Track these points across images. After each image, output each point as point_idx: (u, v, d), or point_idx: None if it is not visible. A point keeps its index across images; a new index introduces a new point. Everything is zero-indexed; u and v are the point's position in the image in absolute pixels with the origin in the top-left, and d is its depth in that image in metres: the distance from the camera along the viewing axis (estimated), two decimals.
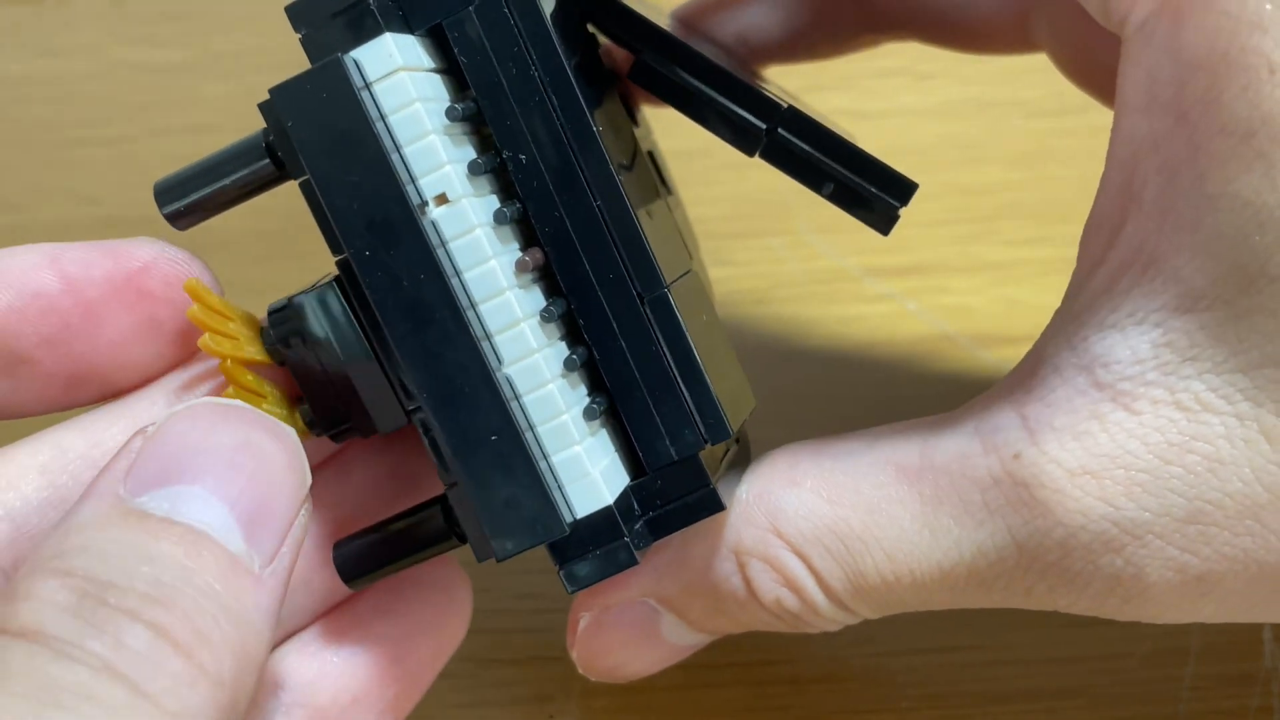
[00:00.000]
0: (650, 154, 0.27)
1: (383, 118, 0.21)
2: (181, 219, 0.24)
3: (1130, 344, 0.20)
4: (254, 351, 0.23)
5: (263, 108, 0.22)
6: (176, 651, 0.18)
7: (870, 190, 0.23)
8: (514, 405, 0.22)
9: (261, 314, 0.24)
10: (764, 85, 0.25)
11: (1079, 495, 0.20)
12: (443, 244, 0.22)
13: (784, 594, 0.23)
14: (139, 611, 0.18)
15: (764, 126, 0.23)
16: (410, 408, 0.23)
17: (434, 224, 0.22)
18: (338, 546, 0.24)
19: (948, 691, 0.29)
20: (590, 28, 0.25)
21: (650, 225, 0.23)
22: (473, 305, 0.22)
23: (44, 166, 0.43)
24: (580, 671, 0.26)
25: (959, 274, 0.38)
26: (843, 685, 0.29)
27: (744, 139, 0.23)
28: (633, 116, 0.27)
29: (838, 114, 0.44)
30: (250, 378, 0.23)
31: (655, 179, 0.26)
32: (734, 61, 0.27)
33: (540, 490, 0.22)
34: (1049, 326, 0.22)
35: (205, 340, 0.23)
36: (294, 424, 0.24)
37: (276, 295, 0.37)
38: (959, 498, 0.21)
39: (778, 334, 0.37)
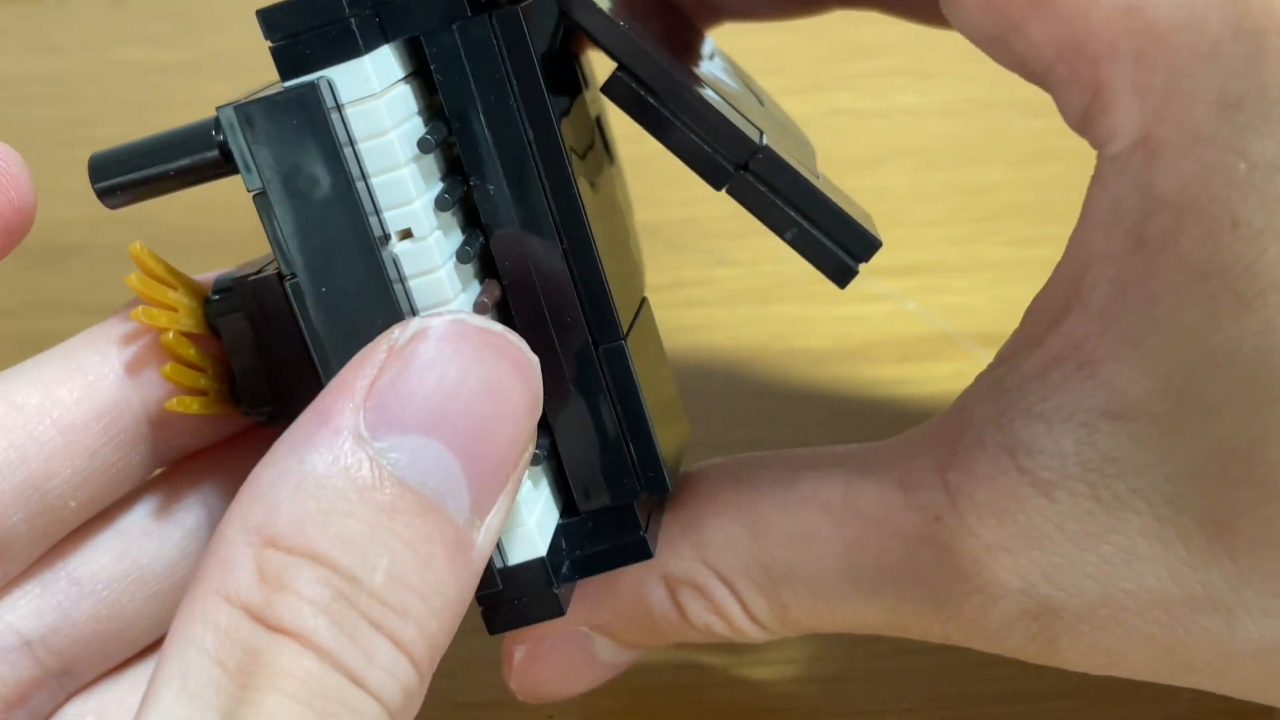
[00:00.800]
0: (598, 119, 0.26)
1: (352, 143, 0.20)
2: (113, 197, 0.23)
3: (1056, 437, 0.20)
4: (191, 324, 0.23)
5: (222, 117, 0.21)
6: (413, 666, 0.18)
7: (832, 243, 0.23)
8: None
9: None
10: (739, 105, 0.24)
11: (996, 569, 0.21)
12: (402, 280, 0.21)
13: (713, 620, 0.24)
14: (383, 623, 0.18)
15: (733, 165, 0.22)
16: None
17: (395, 259, 0.21)
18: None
19: (948, 691, 0.29)
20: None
21: (609, 254, 0.22)
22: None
23: (44, 166, 0.43)
24: (519, 699, 0.26)
25: (959, 273, 0.38)
26: (843, 685, 0.29)
27: (713, 174, 0.22)
28: (584, 79, 0.26)
29: (838, 113, 0.44)
30: (193, 352, 0.23)
31: (603, 153, 0.25)
32: (691, 29, 0.26)
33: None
34: (977, 387, 0.22)
35: (137, 313, 0.22)
36: (230, 401, 0.23)
37: None
38: (880, 546, 0.22)
39: (779, 333, 0.37)
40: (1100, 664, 0.22)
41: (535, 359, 0.20)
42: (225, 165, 0.22)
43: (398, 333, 0.20)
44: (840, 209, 0.22)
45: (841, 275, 0.23)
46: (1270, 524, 0.19)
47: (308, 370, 0.22)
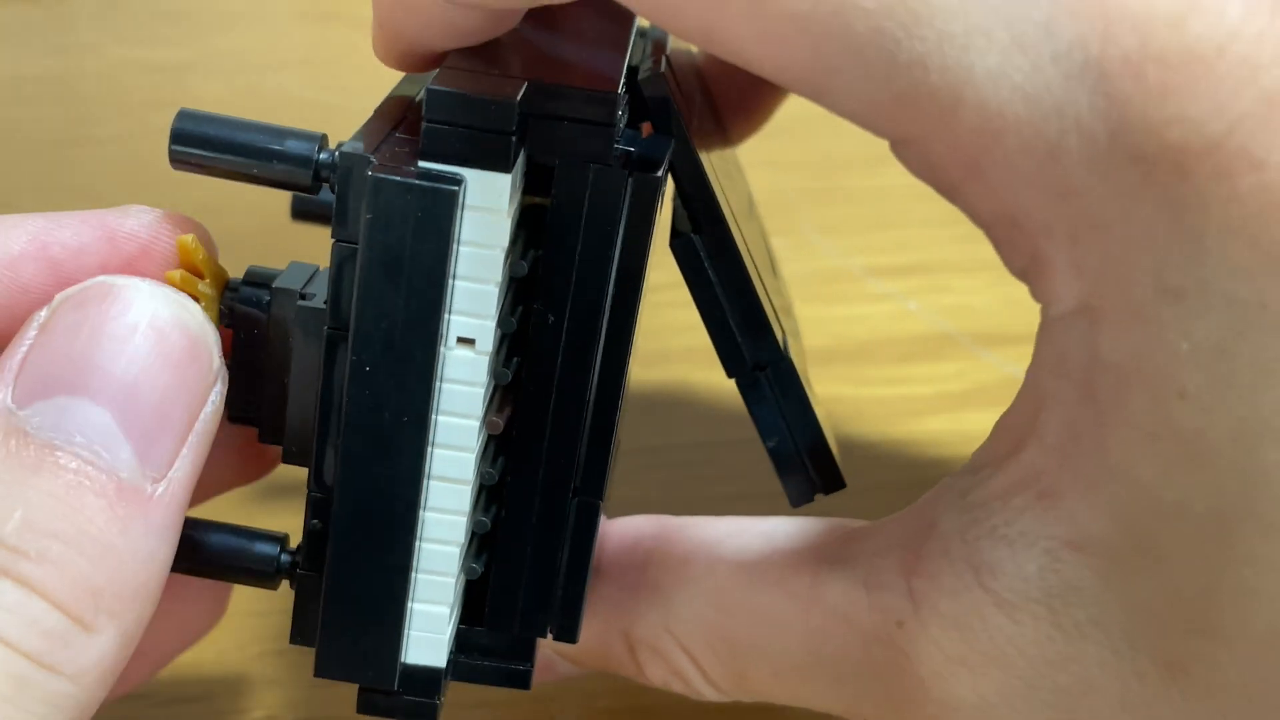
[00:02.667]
0: None
1: (459, 242, 0.20)
2: (184, 163, 0.22)
3: (1019, 561, 0.20)
4: (212, 316, 0.22)
5: (343, 163, 0.20)
6: (56, 608, 0.18)
7: (806, 468, 0.23)
8: (411, 537, 0.21)
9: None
10: (768, 286, 0.24)
11: (954, 684, 0.21)
12: (440, 380, 0.21)
13: (671, 680, 0.24)
14: (10, 567, 0.18)
15: (756, 363, 0.23)
16: (319, 494, 0.21)
17: (444, 360, 0.21)
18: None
19: None
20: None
21: (618, 434, 0.23)
22: (432, 444, 0.21)
23: (44, 166, 0.43)
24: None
25: (960, 273, 0.38)
26: None
27: (731, 361, 0.23)
28: None
29: None
30: None
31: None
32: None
33: (394, 634, 0.21)
34: (945, 492, 0.22)
35: None
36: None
37: None
38: (843, 640, 0.22)
39: None
40: None
41: (195, 305, 0.20)
42: (310, 185, 0.21)
43: (43, 312, 0.20)
44: (826, 442, 0.23)
45: (801, 496, 0.24)
46: (1219, 669, 0.19)
47: (300, 403, 0.22)
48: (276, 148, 0.21)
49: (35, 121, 0.44)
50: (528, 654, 0.23)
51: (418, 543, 0.21)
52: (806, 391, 0.24)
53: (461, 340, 0.21)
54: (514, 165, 0.20)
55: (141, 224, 0.22)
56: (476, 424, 0.21)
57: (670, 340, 0.38)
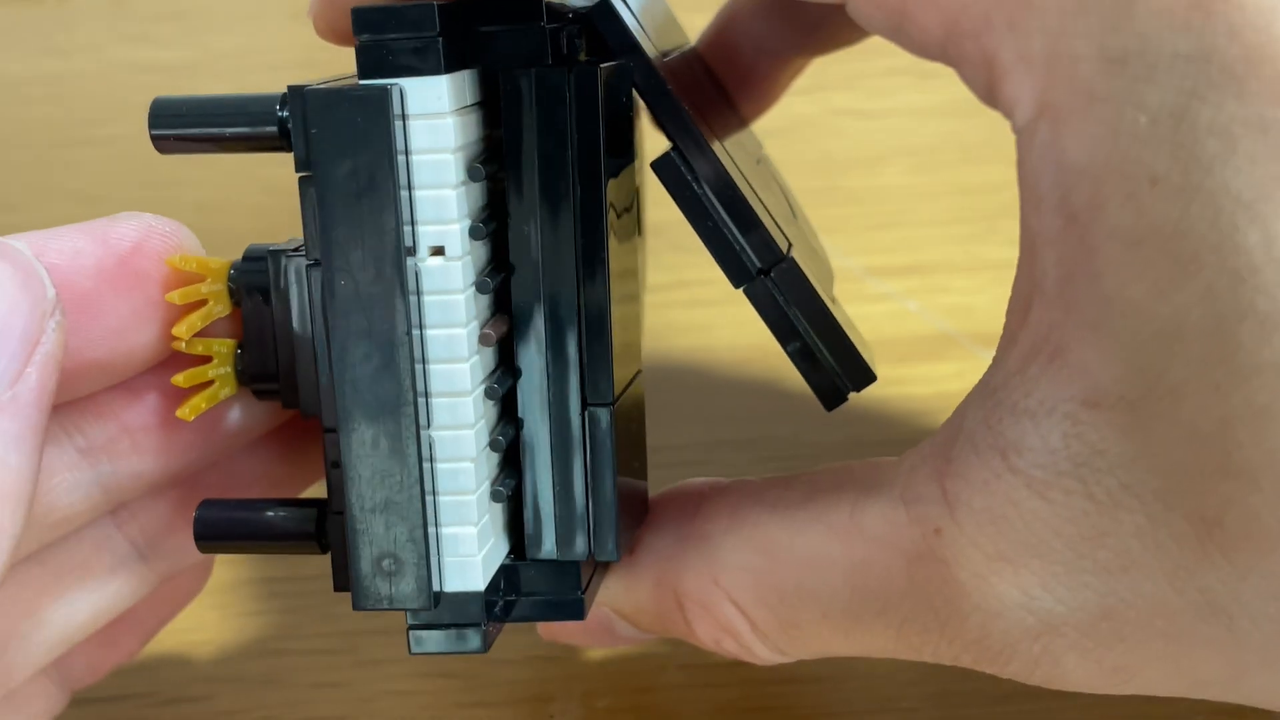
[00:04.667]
0: (637, 190, 0.26)
1: (407, 153, 0.21)
2: (166, 144, 0.23)
3: (1042, 433, 0.20)
4: (221, 310, 0.23)
5: (291, 97, 0.22)
6: None
7: (830, 366, 0.23)
8: (426, 466, 0.21)
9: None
10: (774, 212, 0.24)
11: (996, 582, 0.21)
12: (419, 293, 0.21)
13: (723, 638, 0.24)
14: None
15: (758, 268, 0.23)
16: (328, 427, 0.22)
17: (419, 273, 0.21)
18: (203, 506, 0.23)
19: (948, 691, 0.29)
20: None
21: (618, 321, 0.23)
22: (425, 361, 0.21)
23: (44, 166, 0.43)
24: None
25: (960, 273, 0.38)
26: (843, 685, 0.29)
27: (735, 271, 0.23)
28: (636, 148, 0.26)
29: (841, 113, 0.44)
30: (199, 348, 0.23)
31: (634, 223, 0.25)
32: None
33: (421, 559, 0.21)
34: (972, 393, 0.22)
35: (178, 329, 0.23)
36: (228, 378, 0.23)
37: None
38: (885, 565, 0.22)
39: None
40: (1110, 683, 0.21)
41: (21, 245, 0.22)
42: (280, 141, 0.22)
43: None
44: (846, 336, 0.23)
45: (832, 398, 0.23)
46: (1257, 518, 0.19)
47: (306, 354, 0.22)
48: (241, 109, 0.22)
49: (35, 121, 0.44)
50: (575, 582, 0.23)
51: (429, 465, 0.22)
52: (818, 289, 0.23)
53: (433, 250, 0.21)
54: (449, 68, 0.21)
55: (131, 225, 0.23)
56: (463, 333, 0.21)
57: (671, 340, 0.38)
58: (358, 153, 0.21)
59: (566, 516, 0.23)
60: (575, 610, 0.23)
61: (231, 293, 0.23)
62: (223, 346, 0.24)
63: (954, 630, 0.21)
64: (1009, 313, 0.21)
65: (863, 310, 0.39)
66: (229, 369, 0.23)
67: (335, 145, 0.21)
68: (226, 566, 0.31)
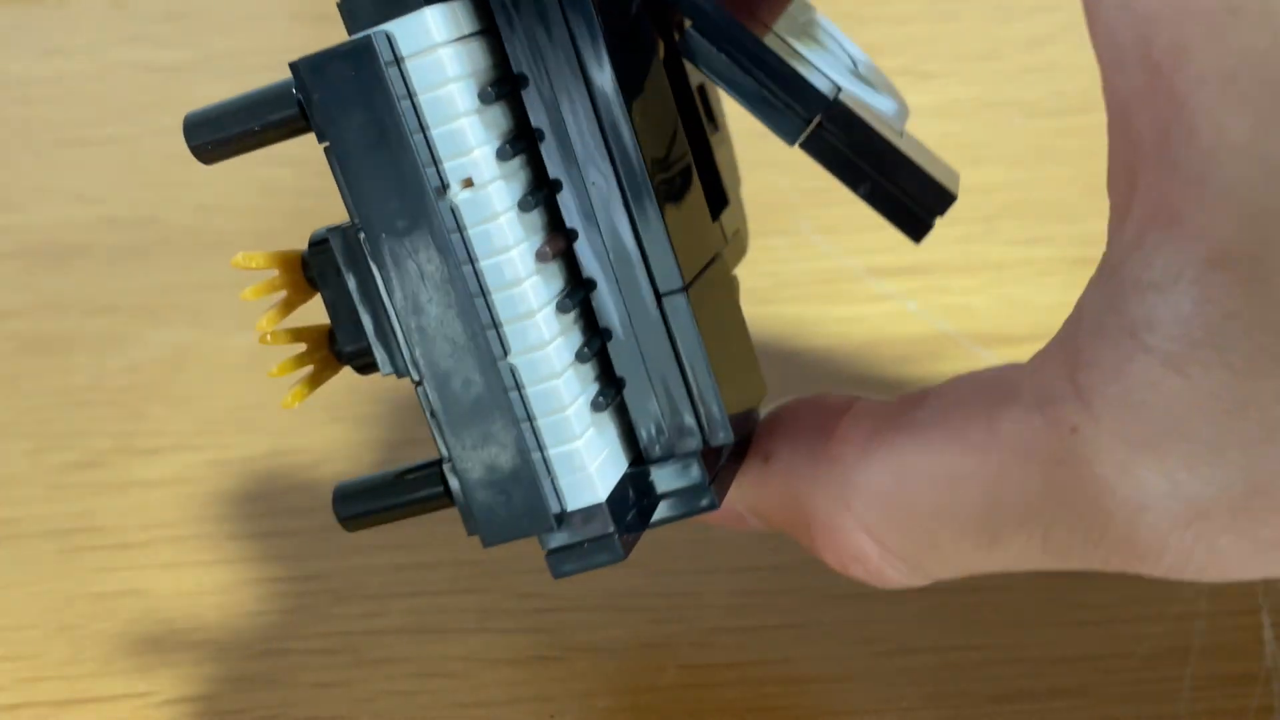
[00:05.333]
0: (701, 88, 0.27)
1: (411, 96, 0.21)
2: (208, 154, 0.23)
3: (1171, 304, 0.19)
4: (300, 298, 0.24)
5: (293, 72, 0.22)
6: None
7: (906, 198, 0.23)
8: (515, 395, 0.22)
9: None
10: (817, 64, 0.24)
11: (1139, 473, 0.20)
12: (461, 229, 0.21)
13: (851, 564, 0.23)
14: None
15: (807, 118, 0.23)
16: (415, 379, 0.22)
17: (455, 209, 0.21)
18: (339, 488, 0.24)
19: (948, 691, 0.29)
20: None
21: (676, 207, 0.23)
22: (484, 293, 0.22)
23: (44, 166, 0.43)
24: None
25: (960, 274, 0.38)
26: (843, 685, 0.29)
27: (786, 127, 0.23)
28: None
29: None
30: (288, 339, 0.24)
31: (703, 119, 0.26)
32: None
33: (531, 484, 0.22)
34: (1090, 282, 0.21)
35: (260, 326, 0.23)
36: (327, 361, 0.24)
37: None
38: (1023, 475, 0.21)
39: (780, 334, 0.37)
40: (1267, 561, 0.20)
41: None
42: (305, 121, 0.22)
43: None
44: (916, 164, 0.23)
45: (915, 228, 0.23)
46: None
47: (384, 318, 0.23)
48: (263, 100, 0.22)
49: (35, 121, 0.44)
50: (700, 475, 0.23)
51: (519, 392, 0.22)
52: (877, 126, 0.23)
53: (464, 183, 0.21)
54: (434, 1, 0.21)
55: None
56: (514, 256, 0.21)
57: None
58: (361, 108, 0.21)
59: (672, 411, 0.23)
60: (709, 502, 0.23)
61: (310, 280, 0.24)
62: (312, 332, 0.24)
63: (1100, 532, 0.20)
64: (1111, 189, 0.20)
65: (863, 310, 0.39)
66: (324, 352, 0.24)
67: (337, 106, 0.21)
68: (226, 566, 0.31)
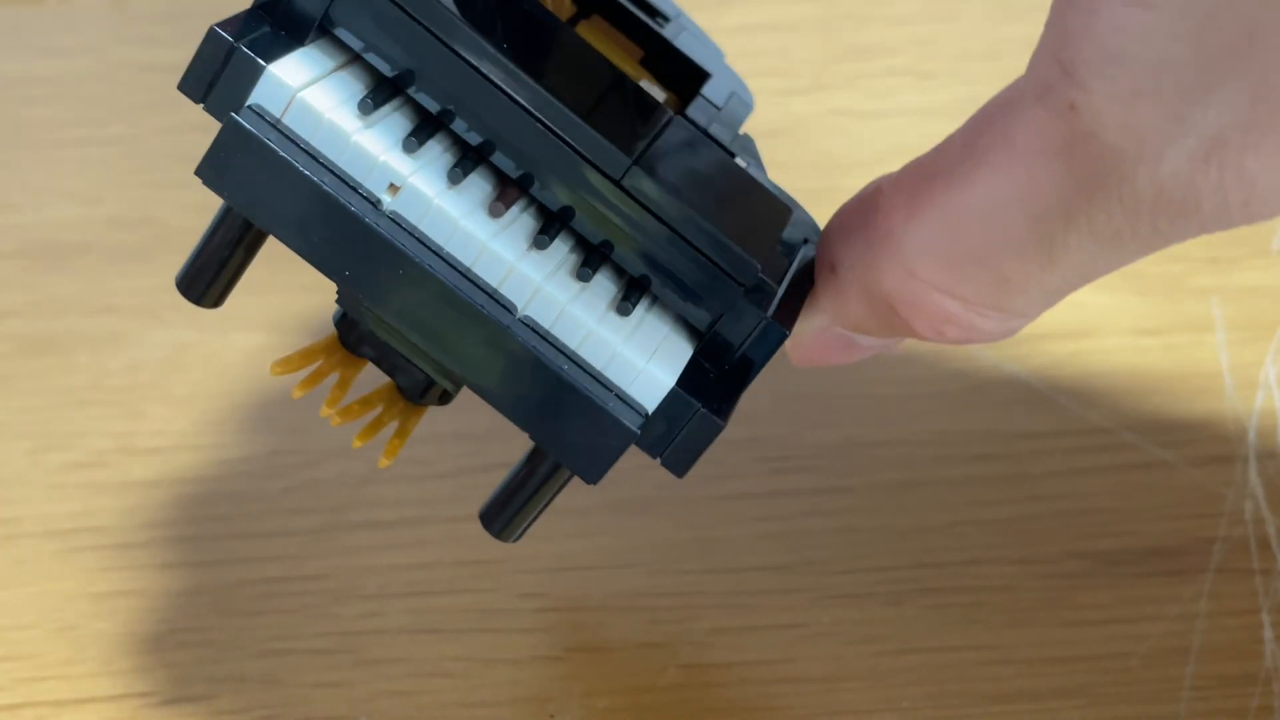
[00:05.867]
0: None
1: (299, 143, 0.21)
2: (208, 299, 0.24)
3: None
4: (352, 372, 0.25)
5: (200, 178, 0.22)
6: None
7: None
8: (542, 344, 0.22)
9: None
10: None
11: (1141, 123, 0.20)
12: (411, 230, 0.22)
13: (943, 326, 0.23)
14: None
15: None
16: (470, 383, 0.23)
17: (394, 216, 0.22)
18: (483, 512, 0.24)
19: (948, 691, 0.29)
20: None
21: (602, 107, 0.23)
22: (465, 270, 0.22)
23: (44, 166, 0.43)
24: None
25: None
26: (843, 685, 0.29)
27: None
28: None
29: (841, 114, 0.44)
30: (359, 410, 0.25)
31: (643, 19, 0.26)
32: None
33: (598, 413, 0.22)
34: None
35: (324, 414, 0.25)
36: (406, 410, 0.25)
37: (277, 295, 0.37)
38: (1049, 175, 0.21)
39: None
40: None
41: None
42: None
43: None
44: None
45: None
46: None
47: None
48: (211, 233, 0.24)
49: (35, 121, 0.44)
50: (755, 314, 0.23)
51: (546, 338, 0.22)
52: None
53: (391, 190, 0.22)
54: (273, 55, 0.21)
55: None
56: (468, 225, 0.22)
57: None
58: (267, 174, 0.22)
59: (695, 276, 0.23)
60: (777, 334, 0.23)
61: (352, 350, 0.25)
62: (381, 393, 0.25)
63: (1133, 200, 0.20)
64: None
65: None
66: (401, 403, 0.25)
67: (249, 187, 0.22)
68: (226, 567, 0.31)
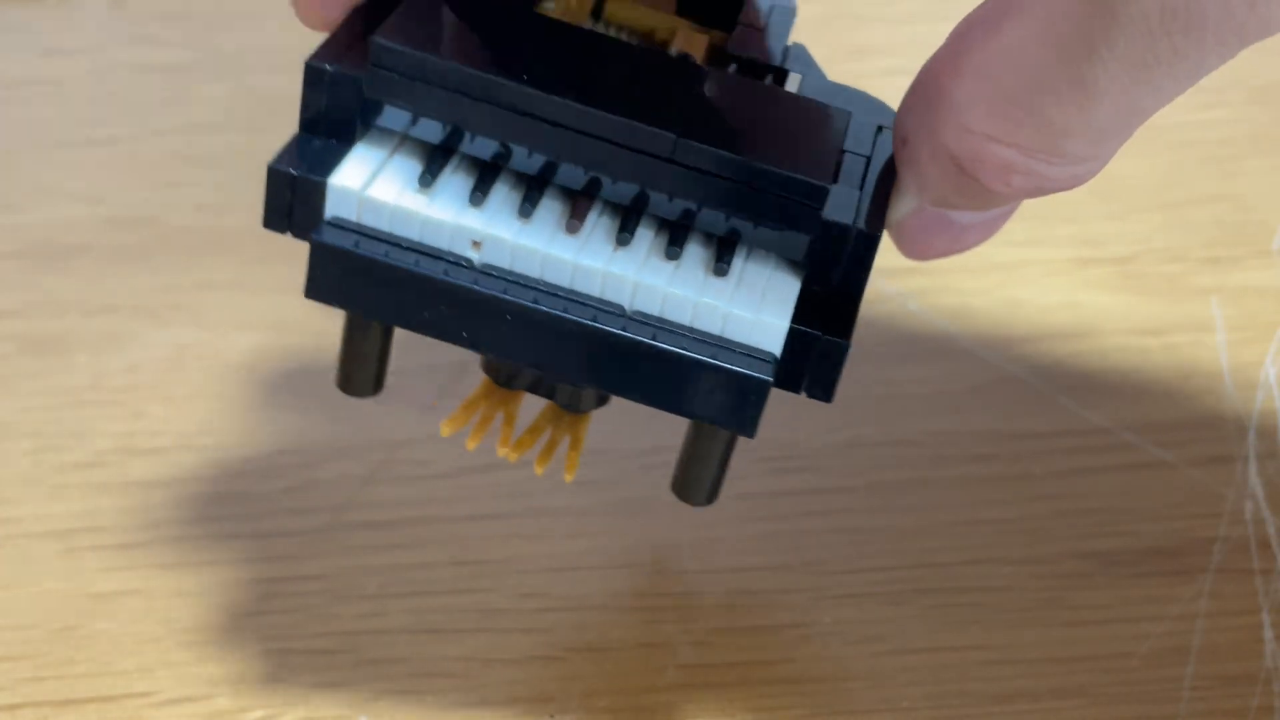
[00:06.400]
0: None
1: (382, 238, 0.23)
2: (371, 389, 0.26)
3: None
4: (514, 408, 0.26)
5: (310, 297, 0.23)
6: None
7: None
8: (659, 333, 0.23)
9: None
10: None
11: None
12: (504, 275, 0.23)
13: (1009, 177, 0.23)
14: None
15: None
16: (608, 393, 0.25)
17: (486, 268, 0.23)
18: (677, 489, 0.26)
19: (948, 692, 0.29)
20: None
21: (637, 88, 0.24)
22: (567, 294, 0.23)
23: (44, 166, 0.43)
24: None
25: (961, 274, 0.38)
26: (843, 685, 0.29)
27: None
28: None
29: None
30: (530, 441, 0.26)
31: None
32: None
33: (728, 376, 0.23)
34: None
35: (501, 453, 0.26)
36: (573, 422, 0.27)
37: (278, 296, 0.37)
38: (1066, 6, 0.21)
39: None
40: None
41: None
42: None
43: None
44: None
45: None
46: None
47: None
48: (349, 329, 0.25)
49: (36, 122, 0.44)
50: (849, 222, 0.23)
51: (660, 326, 0.23)
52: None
53: (475, 245, 0.23)
54: (328, 170, 0.22)
55: None
56: (551, 251, 0.23)
57: None
58: (364, 284, 0.23)
59: (771, 214, 0.23)
60: (866, 240, 0.23)
61: (507, 386, 0.26)
62: (545, 417, 0.27)
63: (1141, 19, 0.20)
64: None
65: (863, 310, 0.39)
66: (567, 417, 0.27)
67: (359, 293, 0.23)
68: (226, 566, 0.31)
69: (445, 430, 0.26)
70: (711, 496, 0.26)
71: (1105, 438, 0.34)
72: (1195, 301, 0.38)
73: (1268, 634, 0.30)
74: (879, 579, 0.31)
